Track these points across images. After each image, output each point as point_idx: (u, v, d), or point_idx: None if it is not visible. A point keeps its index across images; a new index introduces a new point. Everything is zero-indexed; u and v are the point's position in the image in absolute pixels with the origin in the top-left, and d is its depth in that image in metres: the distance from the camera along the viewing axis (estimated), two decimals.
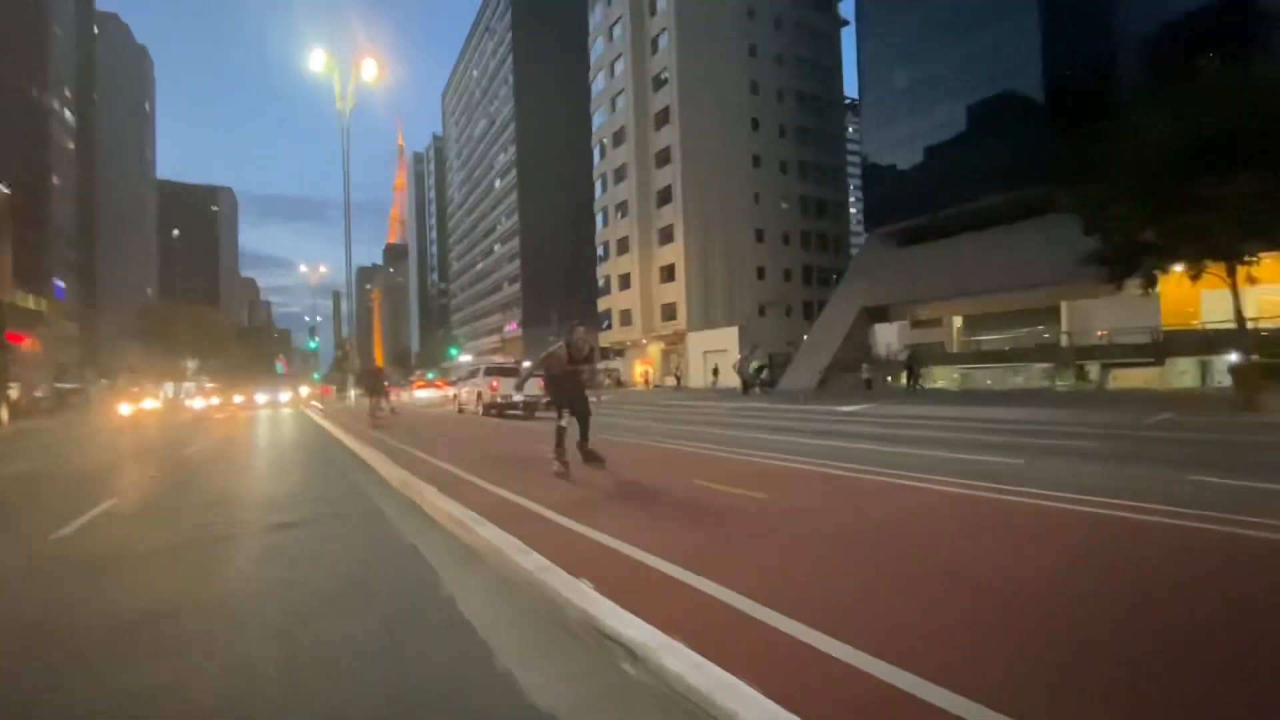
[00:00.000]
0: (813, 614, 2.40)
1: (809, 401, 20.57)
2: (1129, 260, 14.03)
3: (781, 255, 47.29)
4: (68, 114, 65.95)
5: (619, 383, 49.37)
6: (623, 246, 48.78)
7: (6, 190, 42.32)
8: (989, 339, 31.84)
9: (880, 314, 34.37)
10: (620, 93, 48.18)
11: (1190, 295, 22.72)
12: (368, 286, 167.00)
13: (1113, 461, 6.83)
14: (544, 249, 66.88)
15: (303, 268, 75.84)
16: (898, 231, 34.78)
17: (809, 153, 48.66)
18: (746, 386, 27.34)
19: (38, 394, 43.09)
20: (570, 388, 6.31)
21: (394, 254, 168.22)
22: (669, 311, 45.40)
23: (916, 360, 25.10)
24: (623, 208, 48.50)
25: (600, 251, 52.33)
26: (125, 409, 31.19)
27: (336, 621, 2.88)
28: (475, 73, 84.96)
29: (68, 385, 49.64)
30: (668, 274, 45.30)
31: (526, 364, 11.80)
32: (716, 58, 44.05)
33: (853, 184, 54.75)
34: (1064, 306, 27.23)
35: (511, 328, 69.96)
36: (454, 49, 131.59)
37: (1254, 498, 4.62)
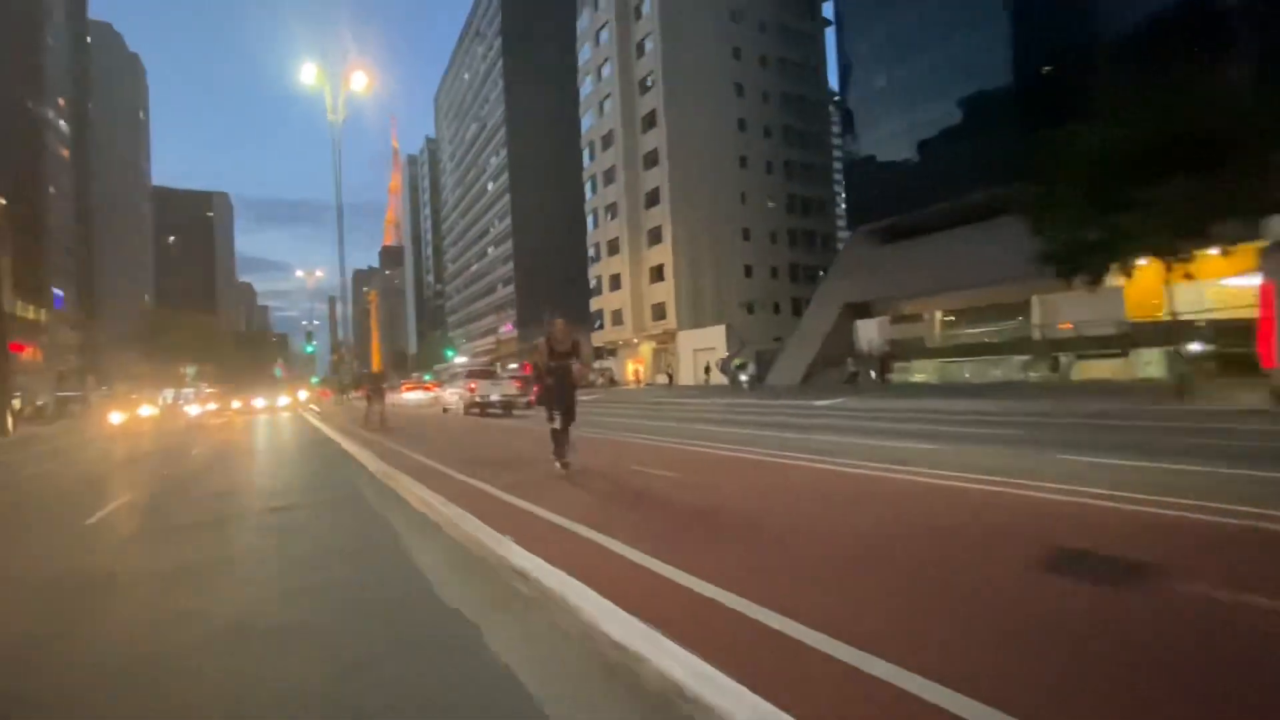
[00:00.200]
0: (655, 548, 3.33)
1: (789, 397, 21.49)
2: (1073, 259, 14.92)
3: (769, 253, 48.22)
4: (62, 123, 66.68)
5: (612, 381, 50.31)
6: (613, 247, 49.67)
7: (3, 201, 43.06)
8: (969, 332, 32.79)
9: (863, 310, 35.29)
10: (608, 96, 49.03)
11: (1154, 288, 23.67)
12: (365, 289, 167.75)
13: (1017, 445, 7.73)
14: (537, 250, 67.82)
15: (299, 272, 76.42)
16: (879, 229, 35.70)
17: (795, 152, 49.58)
18: (733, 383, 28.31)
19: (40, 402, 43.92)
20: (560, 387, 6.33)
21: (390, 257, 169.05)
22: (659, 311, 46.32)
23: (888, 356, 26.03)
24: (612, 209, 49.38)
25: (591, 253, 53.22)
26: (117, 417, 30.45)
27: (318, 569, 3.80)
28: (466, 76, 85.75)
29: (69, 394, 50.43)
30: (657, 274, 46.21)
31: (503, 368, 12.66)
32: (701, 61, 44.93)
33: (839, 181, 55.64)
34: (1035, 300, 28.16)
35: (507, 329, 70.87)
36: (448, 48, 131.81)
37: (1085, 470, 5.52)
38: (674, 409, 18.68)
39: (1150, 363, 23.73)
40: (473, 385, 16.17)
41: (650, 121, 45.71)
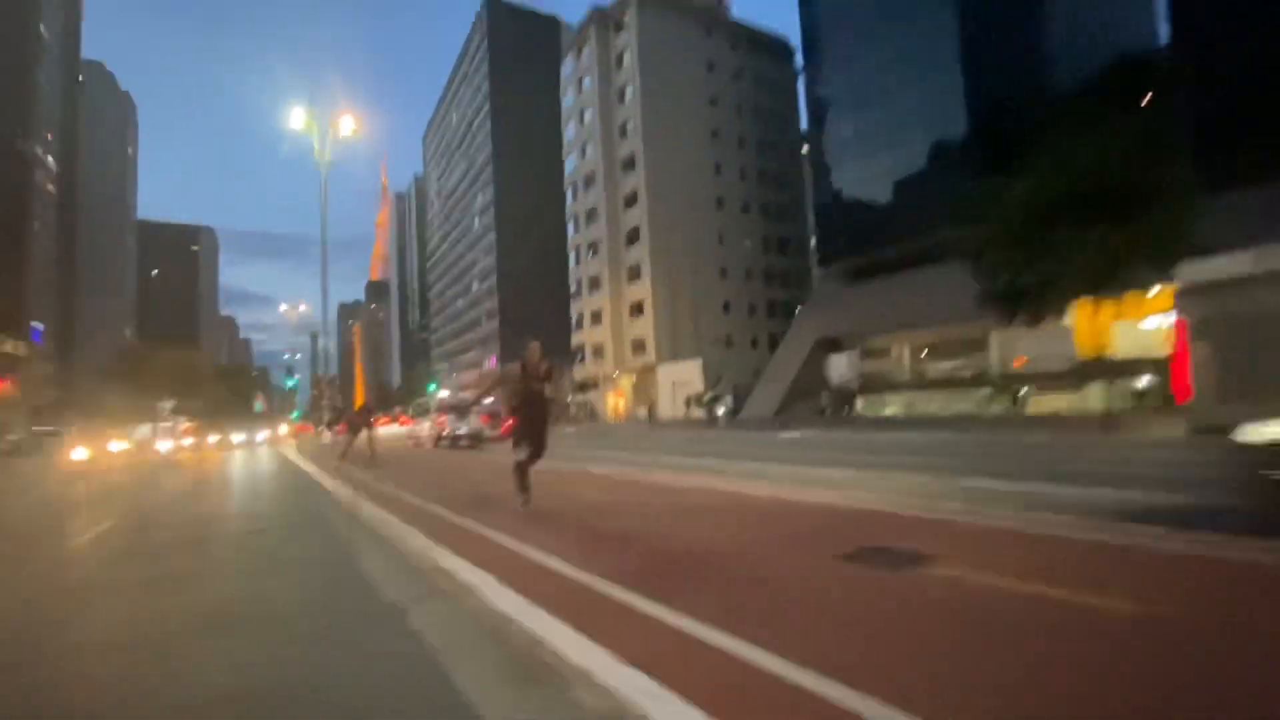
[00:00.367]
0: (529, 538, 4.04)
1: (759, 429, 22.31)
2: (1011, 301, 16.08)
3: (746, 290, 49.71)
4: (50, 160, 67.53)
5: (593, 415, 50.88)
6: (595, 284, 50.92)
7: None
8: (936, 367, 34.04)
9: (834, 345, 36.50)
10: (589, 140, 50.97)
11: (1103, 326, 25.08)
12: (350, 323, 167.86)
13: (934, 471, 8.54)
14: (521, 286, 69.04)
15: (283, 307, 76.16)
16: (848, 268, 37.26)
17: (769, 193, 51.62)
18: (710, 416, 29.14)
19: (13, 437, 43.45)
20: (534, 419, 5.95)
21: (375, 291, 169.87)
22: (639, 346, 47.33)
23: (848, 392, 27.11)
24: (594, 247, 50.81)
25: (574, 289, 54.43)
26: (80, 453, 28.75)
27: (285, 575, 4.49)
28: (455, 117, 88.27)
29: (45, 429, 49.82)
30: (637, 310, 47.38)
31: (465, 395, 13.31)
32: (679, 107, 47.11)
33: (813, 220, 57.72)
34: (993, 337, 29.51)
35: (491, 362, 71.44)
36: (438, 84, 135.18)
37: (960, 490, 6.34)
38: (641, 440, 19.39)
39: (1096, 397, 25.02)
40: (441, 419, 16.85)
41: (630, 164, 47.53)
